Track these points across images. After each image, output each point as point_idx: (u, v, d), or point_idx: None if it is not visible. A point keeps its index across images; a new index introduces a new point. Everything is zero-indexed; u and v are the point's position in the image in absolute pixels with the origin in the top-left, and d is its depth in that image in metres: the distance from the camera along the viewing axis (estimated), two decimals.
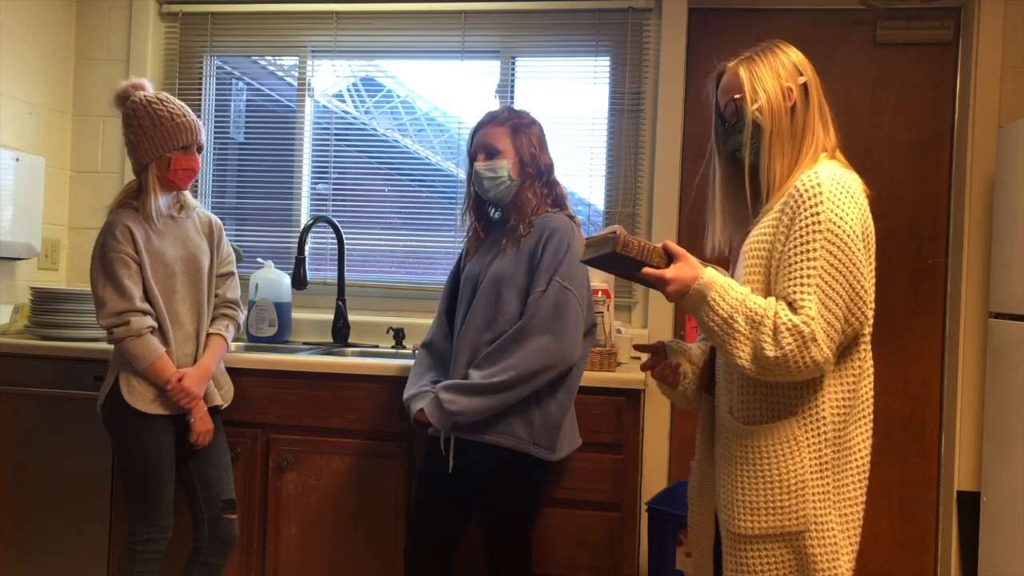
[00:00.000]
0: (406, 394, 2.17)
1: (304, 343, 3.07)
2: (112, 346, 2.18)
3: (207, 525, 2.24)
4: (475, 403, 1.97)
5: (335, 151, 3.29)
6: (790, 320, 1.44)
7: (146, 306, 2.15)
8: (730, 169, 1.70)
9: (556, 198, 2.17)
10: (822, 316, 1.44)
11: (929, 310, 3.01)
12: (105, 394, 2.19)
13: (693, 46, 3.05)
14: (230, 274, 2.40)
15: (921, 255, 3.01)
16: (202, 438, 2.22)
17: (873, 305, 1.53)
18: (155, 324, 2.16)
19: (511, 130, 2.12)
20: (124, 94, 2.22)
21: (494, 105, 3.14)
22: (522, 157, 2.11)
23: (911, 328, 3.01)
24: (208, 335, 2.30)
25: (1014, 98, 2.86)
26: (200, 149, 2.26)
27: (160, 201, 2.20)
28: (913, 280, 3.01)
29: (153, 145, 2.17)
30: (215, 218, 2.40)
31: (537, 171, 2.13)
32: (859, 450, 1.56)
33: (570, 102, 3.13)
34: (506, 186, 2.11)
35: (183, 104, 2.25)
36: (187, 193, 2.32)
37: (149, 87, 2.25)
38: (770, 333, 1.44)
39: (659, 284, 1.52)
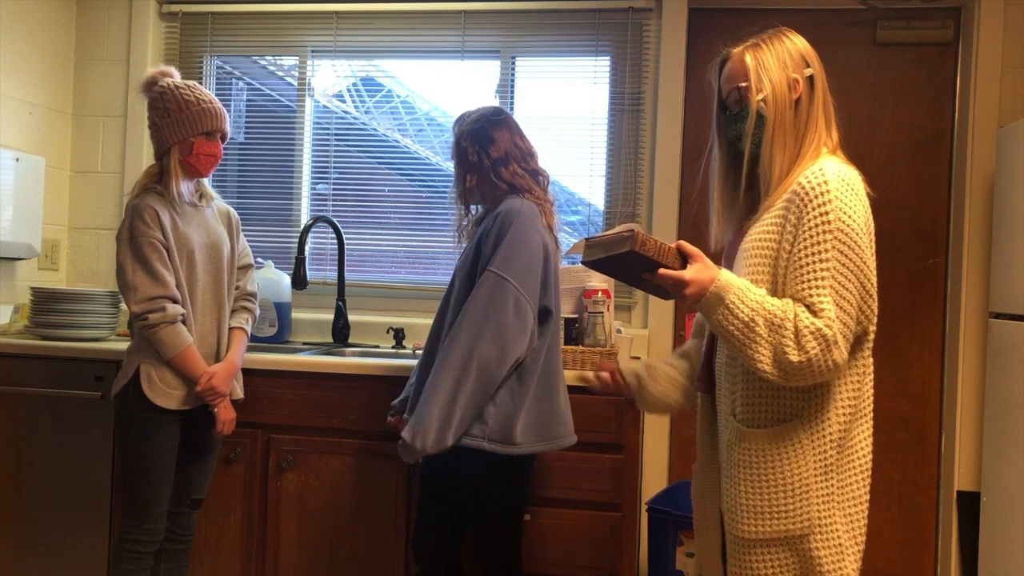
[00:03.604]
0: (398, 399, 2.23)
1: (304, 343, 3.07)
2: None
3: (168, 516, 2.22)
4: (427, 418, 1.92)
5: (335, 151, 3.29)
6: (812, 323, 1.41)
7: (178, 294, 2.14)
8: (729, 159, 1.66)
9: (513, 187, 2.11)
10: (839, 318, 1.42)
11: (929, 310, 3.01)
12: (122, 385, 2.16)
13: (693, 46, 3.05)
14: (249, 266, 2.41)
15: (921, 255, 3.01)
16: (227, 427, 2.23)
17: (877, 301, 1.51)
18: (184, 312, 2.16)
19: (453, 141, 2.19)
20: (152, 80, 2.22)
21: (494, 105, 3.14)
22: (462, 161, 2.16)
23: (911, 328, 3.01)
24: (230, 329, 2.30)
25: (1014, 98, 2.86)
26: (224, 138, 2.27)
27: (183, 186, 2.20)
28: (913, 280, 3.01)
29: (177, 128, 2.17)
30: (232, 210, 2.40)
31: (469, 167, 2.14)
32: (861, 449, 1.54)
33: (570, 102, 3.13)
34: (459, 189, 2.20)
35: (210, 92, 2.26)
36: (206, 183, 2.33)
37: (177, 75, 2.26)
38: (792, 337, 1.41)
39: (676, 286, 1.47)
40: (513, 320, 1.95)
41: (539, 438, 2.03)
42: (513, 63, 3.17)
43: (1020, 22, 2.87)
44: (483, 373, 1.93)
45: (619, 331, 2.71)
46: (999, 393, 2.64)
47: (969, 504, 2.83)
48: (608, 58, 3.09)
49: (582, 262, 1.55)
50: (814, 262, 1.43)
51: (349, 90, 3.32)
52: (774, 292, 1.50)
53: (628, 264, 1.48)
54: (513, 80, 3.18)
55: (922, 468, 3.01)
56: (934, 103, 3.01)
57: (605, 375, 1.84)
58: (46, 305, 2.72)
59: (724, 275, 1.46)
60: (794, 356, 1.41)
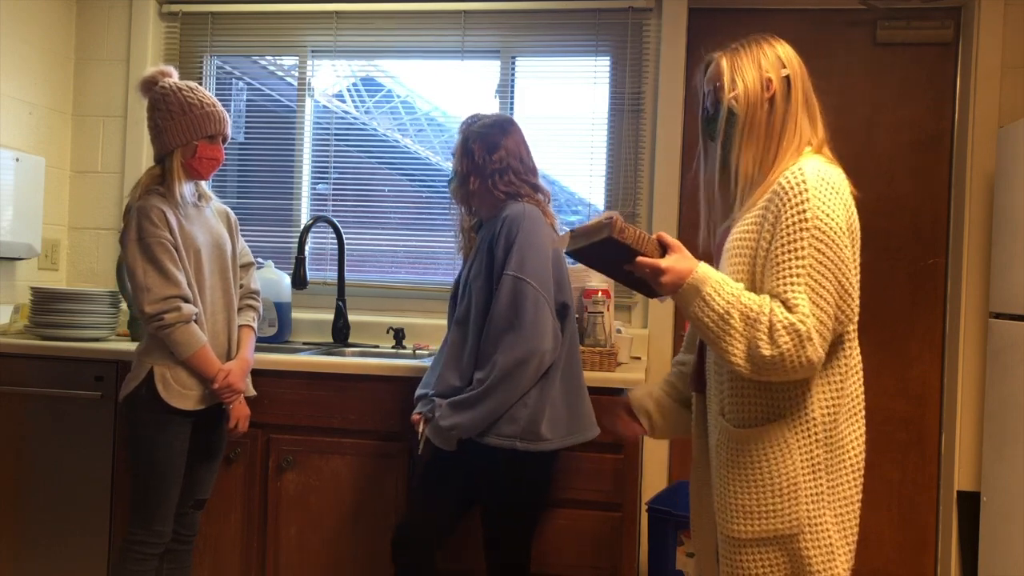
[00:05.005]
0: (417, 392, 2.22)
1: (304, 343, 3.07)
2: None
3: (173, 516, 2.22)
4: (467, 416, 2.00)
5: (335, 151, 3.29)
6: (786, 318, 1.41)
7: (190, 293, 2.13)
8: (711, 160, 1.69)
9: (510, 194, 2.13)
10: (814, 315, 1.42)
11: (929, 310, 3.01)
12: (133, 387, 2.14)
13: (693, 46, 3.05)
14: (251, 264, 2.41)
15: (921, 255, 3.01)
16: (243, 423, 2.25)
17: (858, 301, 1.52)
18: (197, 311, 2.14)
19: (461, 139, 2.20)
20: (152, 80, 2.20)
21: (494, 105, 3.15)
22: (466, 160, 2.16)
23: (911, 328, 3.01)
24: (239, 327, 2.31)
25: (1014, 98, 2.86)
26: (225, 140, 2.26)
27: (185, 188, 2.19)
28: (913, 280, 3.01)
29: (181, 131, 2.15)
30: (230, 210, 2.40)
31: (474, 168, 2.14)
32: (852, 448, 1.54)
33: (570, 102, 3.13)
34: (453, 187, 2.21)
35: (211, 94, 2.24)
36: (204, 184, 2.31)
37: (175, 74, 2.24)
38: (766, 331, 1.42)
39: (653, 274, 1.48)
40: (538, 320, 1.99)
41: (566, 432, 2.08)
42: (513, 63, 3.17)
43: (1020, 22, 2.87)
44: (514, 373, 1.97)
45: (619, 331, 2.71)
46: (999, 393, 2.64)
47: (969, 504, 2.83)
48: (608, 58, 3.09)
49: (566, 252, 1.57)
50: (790, 259, 1.44)
51: (349, 90, 3.33)
52: (752, 290, 1.50)
53: (608, 254, 1.49)
54: (513, 80, 3.18)
55: (922, 468, 3.01)
56: (934, 103, 3.01)
57: (629, 434, 1.91)
58: (46, 305, 2.72)
59: (702, 267, 1.48)
60: (766, 350, 1.41)
